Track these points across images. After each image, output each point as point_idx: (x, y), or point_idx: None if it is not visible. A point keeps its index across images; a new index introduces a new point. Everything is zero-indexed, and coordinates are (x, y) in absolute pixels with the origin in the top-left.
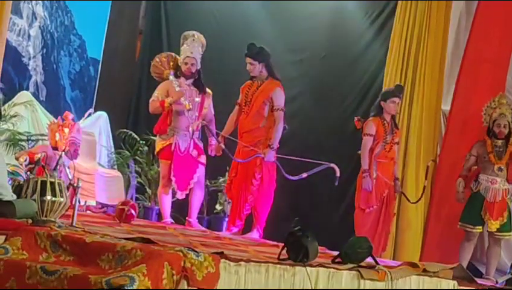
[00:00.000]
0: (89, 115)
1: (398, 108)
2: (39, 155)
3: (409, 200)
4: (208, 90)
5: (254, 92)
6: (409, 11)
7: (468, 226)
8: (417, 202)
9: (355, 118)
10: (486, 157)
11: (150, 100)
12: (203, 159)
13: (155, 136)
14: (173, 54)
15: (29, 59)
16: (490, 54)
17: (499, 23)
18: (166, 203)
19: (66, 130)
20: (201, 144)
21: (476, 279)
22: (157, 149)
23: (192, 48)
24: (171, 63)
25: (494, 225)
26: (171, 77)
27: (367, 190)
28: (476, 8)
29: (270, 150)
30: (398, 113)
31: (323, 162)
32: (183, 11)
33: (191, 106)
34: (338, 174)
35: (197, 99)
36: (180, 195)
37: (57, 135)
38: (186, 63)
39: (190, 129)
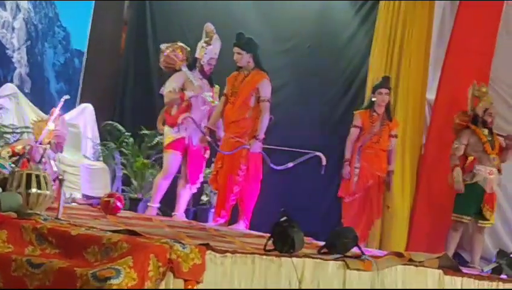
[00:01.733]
0: (64, 101)
1: (387, 98)
2: (19, 147)
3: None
4: (215, 85)
5: (241, 82)
6: (393, 0)
7: (465, 218)
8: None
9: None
10: (481, 147)
11: (166, 91)
12: (207, 154)
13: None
14: (184, 45)
15: (14, 51)
16: (475, 43)
17: (483, 12)
18: (160, 191)
19: (51, 123)
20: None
21: (462, 268)
22: (169, 140)
23: (216, 48)
24: (184, 55)
25: (492, 216)
26: (184, 69)
27: (345, 177)
28: None
29: (256, 141)
30: (388, 102)
31: (309, 151)
32: (168, 2)
33: (216, 101)
34: (324, 162)
35: (210, 93)
36: (193, 189)
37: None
38: (210, 64)
39: (202, 124)
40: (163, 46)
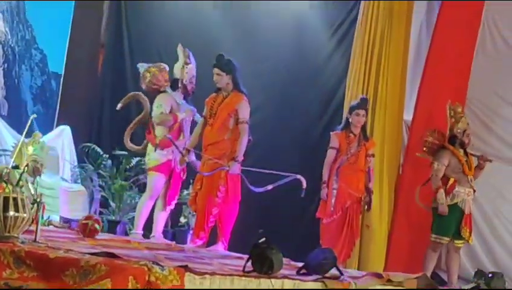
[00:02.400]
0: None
1: (363, 120)
2: None
3: (367, 210)
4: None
5: (219, 104)
6: (370, 20)
7: (444, 239)
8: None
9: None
10: (460, 168)
11: (158, 112)
12: (184, 176)
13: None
14: (167, 66)
15: None
16: (451, 63)
17: (460, 32)
18: (144, 215)
19: (30, 147)
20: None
21: (440, 288)
22: (156, 163)
23: (194, 67)
24: (167, 76)
25: (470, 237)
26: (169, 90)
27: (323, 199)
28: (437, 16)
29: (234, 163)
30: (364, 123)
31: (289, 174)
32: (145, 23)
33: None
34: (304, 186)
35: (198, 115)
36: (168, 210)
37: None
38: (191, 82)
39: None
40: (145, 66)
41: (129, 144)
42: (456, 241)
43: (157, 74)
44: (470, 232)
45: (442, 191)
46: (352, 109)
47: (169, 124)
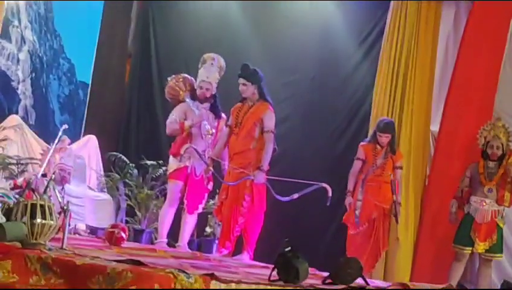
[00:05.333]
0: (63, 130)
1: (386, 141)
2: (21, 179)
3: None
4: (223, 115)
5: (245, 113)
6: (397, 32)
7: (459, 247)
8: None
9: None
10: (478, 178)
11: (168, 121)
12: (210, 185)
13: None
14: (189, 76)
15: (18, 83)
16: (478, 77)
17: (486, 46)
18: (166, 223)
19: (57, 156)
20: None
21: None
22: (171, 169)
23: (209, 72)
24: (187, 85)
25: (481, 247)
26: (188, 100)
27: (347, 207)
28: (464, 29)
29: (260, 172)
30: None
31: (314, 183)
32: (172, 33)
33: (213, 131)
34: (330, 194)
35: (205, 122)
36: (190, 218)
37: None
38: (201, 87)
39: (206, 154)
40: (169, 78)
41: None
42: (485, 254)
43: (173, 86)
44: (490, 243)
45: (454, 200)
46: (377, 129)
47: (178, 133)
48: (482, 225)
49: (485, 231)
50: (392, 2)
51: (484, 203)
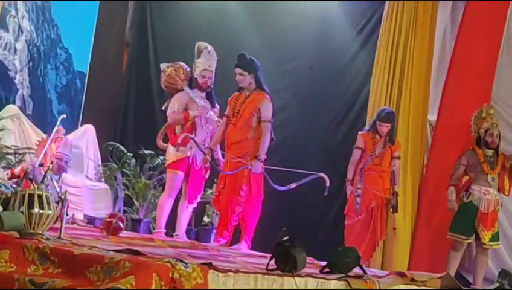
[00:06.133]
0: (62, 120)
1: (386, 130)
2: (18, 169)
3: (393, 212)
4: (217, 104)
5: (242, 103)
6: (394, 21)
7: (459, 237)
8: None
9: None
10: (479, 167)
11: (170, 111)
12: (207, 174)
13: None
14: (184, 64)
15: (16, 73)
16: (476, 64)
17: (484, 33)
18: (165, 213)
19: (54, 145)
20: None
21: (464, 288)
22: (172, 160)
23: (209, 60)
24: (185, 74)
25: (487, 236)
26: (187, 89)
27: (348, 196)
28: (462, 17)
29: (257, 162)
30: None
31: (312, 172)
32: (169, 23)
33: (219, 120)
34: (328, 184)
35: (211, 112)
36: (190, 208)
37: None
38: (204, 76)
39: (206, 144)
40: (163, 66)
41: (161, 143)
42: (485, 243)
43: (173, 74)
44: (492, 233)
45: (452, 188)
46: (378, 118)
47: (182, 122)
48: (488, 215)
49: (490, 221)
50: None
51: (488, 193)
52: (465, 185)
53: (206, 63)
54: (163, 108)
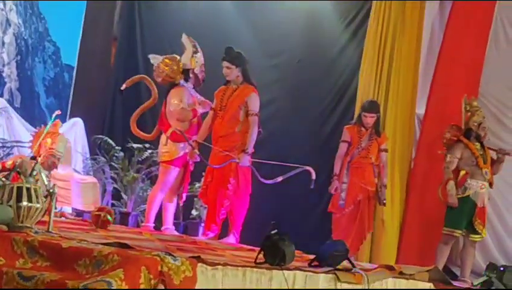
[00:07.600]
0: (56, 116)
1: (371, 121)
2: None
3: (380, 204)
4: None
5: (229, 96)
6: (382, 14)
7: (456, 231)
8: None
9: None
10: (474, 161)
11: (178, 108)
12: (191, 168)
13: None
14: (178, 56)
15: (3, 66)
16: (464, 57)
17: (472, 26)
18: (155, 207)
19: (49, 140)
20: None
21: (452, 281)
22: (172, 156)
23: (202, 55)
24: (180, 68)
25: (483, 230)
26: (184, 83)
27: (332, 192)
28: (450, 11)
29: (244, 155)
30: (377, 121)
31: (298, 165)
32: (158, 16)
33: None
34: (314, 177)
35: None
36: (174, 201)
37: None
38: (202, 71)
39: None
40: (159, 58)
41: (136, 130)
42: (472, 236)
43: (174, 67)
44: (484, 226)
45: (452, 182)
46: (362, 109)
47: (190, 119)
48: (483, 209)
49: (483, 215)
50: None
51: (483, 187)
52: (461, 180)
53: (202, 58)
54: (122, 87)
